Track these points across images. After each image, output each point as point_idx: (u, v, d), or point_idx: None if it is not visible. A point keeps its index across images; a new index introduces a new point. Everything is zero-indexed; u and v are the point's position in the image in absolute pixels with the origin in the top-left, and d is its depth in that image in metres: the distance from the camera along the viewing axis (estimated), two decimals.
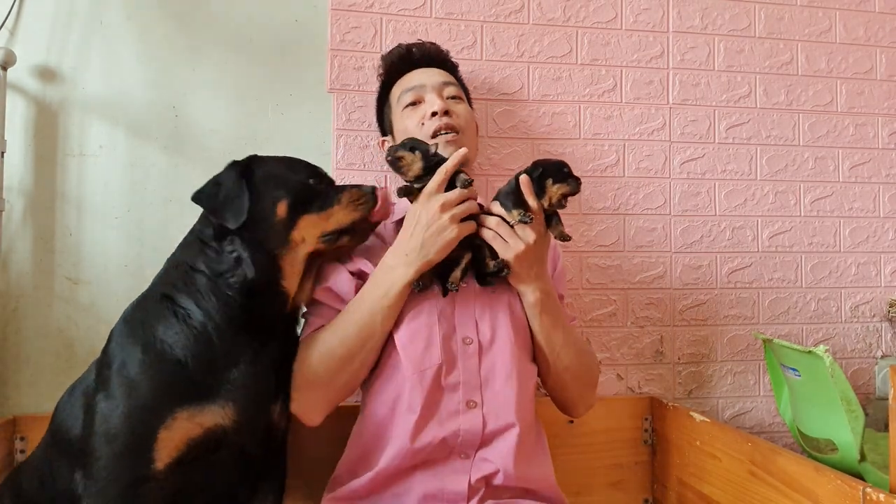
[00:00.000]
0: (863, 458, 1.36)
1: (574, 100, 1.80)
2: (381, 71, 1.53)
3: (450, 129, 1.34)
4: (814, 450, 1.53)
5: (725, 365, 1.85)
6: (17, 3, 1.54)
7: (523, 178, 1.17)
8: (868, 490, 0.99)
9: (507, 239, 1.17)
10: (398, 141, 1.40)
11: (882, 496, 0.96)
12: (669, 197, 1.83)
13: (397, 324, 1.19)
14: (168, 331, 1.07)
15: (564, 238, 1.19)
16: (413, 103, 1.40)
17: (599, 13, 1.82)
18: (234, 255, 1.13)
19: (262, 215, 1.13)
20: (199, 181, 1.58)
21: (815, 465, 1.12)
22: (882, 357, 1.92)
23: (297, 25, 1.67)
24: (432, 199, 1.15)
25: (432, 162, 1.18)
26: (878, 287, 1.93)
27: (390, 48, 1.54)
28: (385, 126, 1.52)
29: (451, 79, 1.46)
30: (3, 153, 1.51)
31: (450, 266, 1.19)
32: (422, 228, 1.14)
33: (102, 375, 1.08)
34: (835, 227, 1.92)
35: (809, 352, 1.38)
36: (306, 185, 1.17)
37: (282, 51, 1.66)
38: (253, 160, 1.20)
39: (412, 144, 1.19)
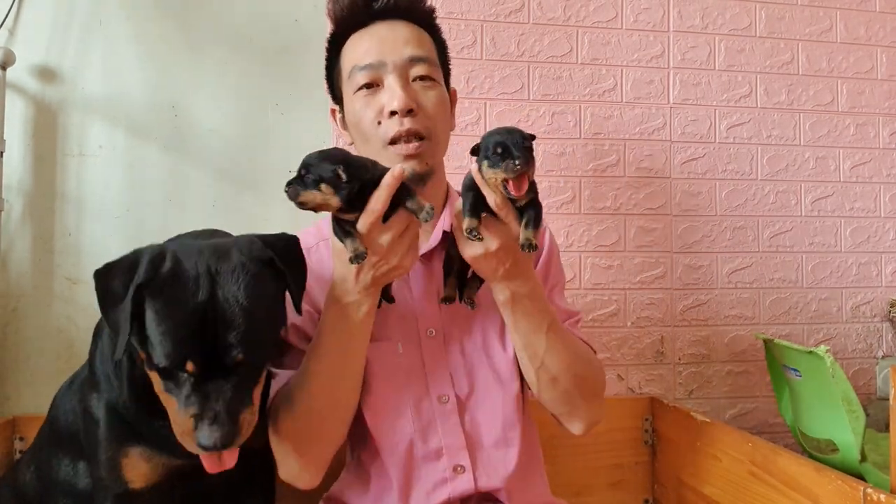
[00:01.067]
0: (863, 458, 1.36)
1: (574, 99, 1.79)
2: (331, 15, 1.17)
3: (413, 135, 1.05)
4: (814, 450, 1.52)
5: (726, 365, 1.84)
6: (16, 3, 1.54)
7: (474, 173, 0.90)
8: (869, 490, 0.98)
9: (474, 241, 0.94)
10: (348, 122, 1.15)
11: (883, 497, 0.95)
12: (670, 197, 1.83)
13: (364, 392, 1.06)
14: (106, 377, 1.03)
15: (526, 247, 0.89)
16: (369, 85, 1.08)
17: (600, 12, 1.81)
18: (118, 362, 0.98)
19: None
20: (199, 181, 1.61)
21: (815, 466, 1.12)
22: (883, 357, 1.92)
23: (297, 25, 1.67)
24: (376, 241, 0.90)
25: (357, 184, 0.88)
26: (879, 287, 1.93)
27: None
28: (335, 93, 1.20)
29: (422, 48, 1.11)
30: (2, 153, 1.51)
31: None
32: (370, 266, 0.92)
33: (87, 392, 1.07)
34: (836, 227, 1.91)
35: (810, 352, 1.38)
36: (174, 365, 0.86)
37: (282, 50, 1.66)
38: (161, 279, 0.88)
39: (316, 173, 0.87)
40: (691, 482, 1.49)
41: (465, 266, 1.01)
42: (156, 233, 1.57)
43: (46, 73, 1.56)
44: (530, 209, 0.91)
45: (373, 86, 1.08)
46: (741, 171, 1.87)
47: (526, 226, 0.90)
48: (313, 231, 1.20)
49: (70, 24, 1.58)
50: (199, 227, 1.61)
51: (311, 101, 1.66)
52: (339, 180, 0.87)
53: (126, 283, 0.89)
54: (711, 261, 1.85)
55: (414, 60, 1.08)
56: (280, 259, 0.92)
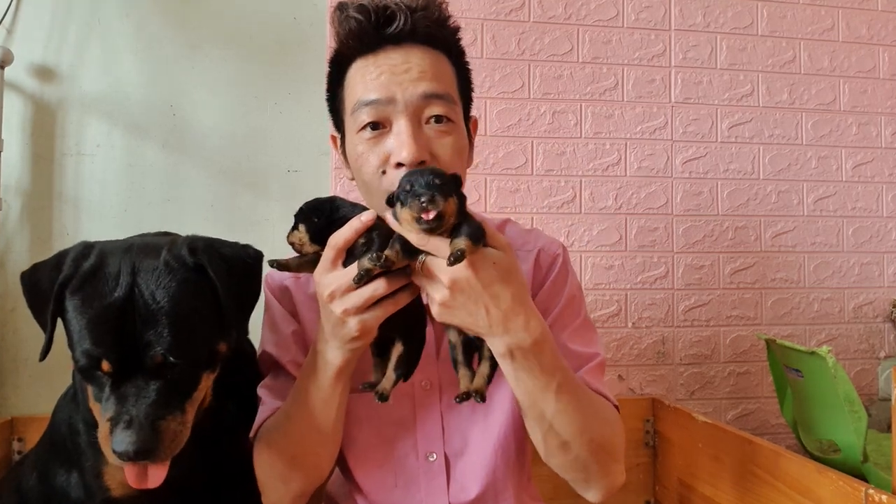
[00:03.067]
0: (865, 459, 1.35)
1: (575, 98, 1.79)
2: (335, 34, 0.98)
3: None
4: (816, 451, 1.52)
5: (728, 366, 1.84)
6: (14, 2, 1.53)
7: (388, 219, 0.81)
8: (870, 491, 0.98)
9: (425, 288, 0.81)
10: (350, 162, 1.01)
11: (884, 497, 0.95)
12: (671, 196, 1.82)
13: (347, 440, 1.00)
14: (81, 389, 1.01)
15: (452, 258, 0.74)
16: (374, 125, 0.93)
17: (601, 11, 1.81)
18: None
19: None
20: (198, 180, 1.60)
21: (817, 467, 1.11)
22: (885, 358, 1.91)
23: (295, 23, 1.66)
24: (320, 282, 0.81)
25: (324, 221, 0.85)
26: (882, 287, 1.92)
27: None
28: (337, 121, 1.04)
29: (440, 82, 0.94)
30: (0, 152, 1.50)
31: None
32: (324, 317, 0.84)
33: (71, 403, 1.06)
34: (838, 227, 1.91)
35: (812, 352, 1.37)
36: (91, 364, 0.83)
37: (280, 49, 1.65)
38: (89, 287, 0.85)
39: (298, 215, 0.86)
40: (693, 483, 1.48)
41: (469, 349, 0.88)
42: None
43: (44, 72, 1.56)
44: (459, 226, 0.78)
45: (379, 126, 0.93)
46: (743, 170, 1.86)
47: (453, 237, 0.77)
48: None
49: (68, 22, 1.57)
50: (198, 227, 1.60)
51: (309, 100, 1.65)
52: (310, 220, 0.84)
53: (52, 281, 0.87)
54: (713, 261, 1.84)
55: (429, 97, 0.92)
56: (217, 268, 0.87)
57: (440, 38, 0.97)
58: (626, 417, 1.65)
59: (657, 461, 1.66)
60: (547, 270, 1.07)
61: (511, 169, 1.74)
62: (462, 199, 0.80)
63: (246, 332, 0.91)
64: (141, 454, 0.78)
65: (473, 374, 0.87)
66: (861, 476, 1.33)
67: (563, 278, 1.07)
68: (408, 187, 0.78)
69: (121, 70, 1.59)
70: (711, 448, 1.41)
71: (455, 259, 0.73)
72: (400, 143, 0.90)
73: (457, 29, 1.01)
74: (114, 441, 0.77)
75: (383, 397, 0.84)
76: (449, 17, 0.99)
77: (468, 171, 1.03)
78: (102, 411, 0.81)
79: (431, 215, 0.75)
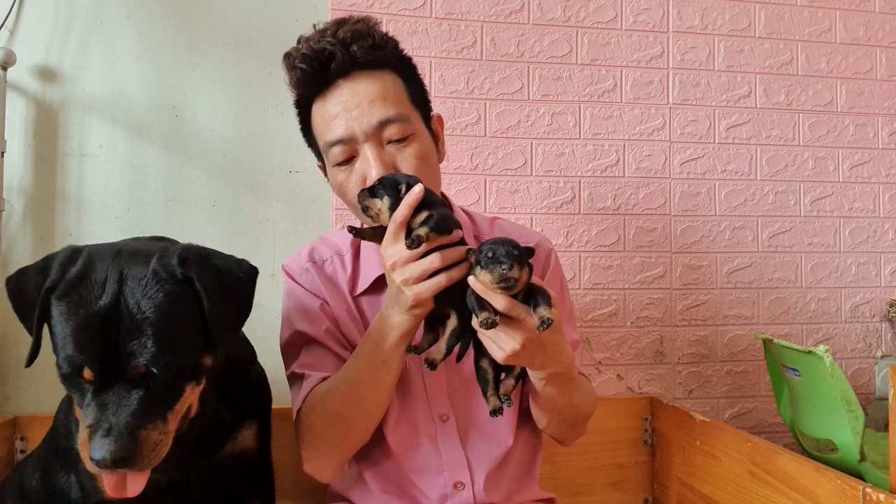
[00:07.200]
0: (863, 457, 1.36)
1: (574, 100, 1.80)
2: (289, 84, 1.12)
3: None
4: (814, 450, 1.53)
5: (725, 365, 1.85)
6: (17, 3, 1.54)
7: (472, 282, 0.91)
8: (868, 490, 0.99)
9: (492, 339, 0.92)
10: (333, 189, 1.15)
11: (882, 496, 0.96)
12: (669, 197, 1.83)
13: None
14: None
15: (544, 325, 0.88)
16: (346, 160, 1.07)
17: (599, 13, 1.82)
18: None
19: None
20: (199, 181, 1.61)
21: (815, 465, 1.12)
22: (882, 357, 1.92)
23: (296, 25, 1.67)
24: (384, 254, 0.94)
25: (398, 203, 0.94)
26: (878, 287, 1.93)
27: (295, 47, 1.10)
28: (316, 153, 1.18)
29: (390, 104, 1.05)
30: (2, 153, 1.51)
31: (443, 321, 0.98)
32: (389, 285, 0.96)
33: (68, 405, 1.05)
34: (835, 228, 1.92)
35: (809, 352, 1.38)
36: (73, 371, 0.82)
37: (282, 51, 1.64)
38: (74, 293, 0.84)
39: (385, 186, 0.96)
40: (691, 482, 1.49)
41: (498, 370, 1.00)
42: (156, 233, 1.57)
43: (47, 74, 1.57)
44: (534, 293, 0.92)
45: (350, 160, 1.06)
46: (740, 171, 1.87)
47: (536, 306, 0.91)
48: (331, 243, 1.21)
49: (71, 24, 1.58)
50: (200, 227, 1.62)
51: None
52: (398, 196, 0.93)
53: (38, 286, 0.86)
54: (711, 261, 1.85)
55: (384, 123, 1.04)
56: (206, 282, 0.87)
57: (381, 59, 1.07)
58: (625, 417, 1.68)
59: (655, 460, 1.67)
60: (544, 264, 1.23)
61: (510, 170, 1.75)
62: (531, 268, 0.92)
63: (236, 344, 0.90)
64: (119, 462, 0.77)
65: (498, 397, 0.98)
66: (858, 475, 1.34)
67: (559, 273, 1.25)
68: (490, 254, 0.89)
69: (123, 71, 1.60)
70: (709, 447, 1.42)
71: (547, 326, 0.87)
72: (368, 166, 1.04)
73: (395, 45, 1.11)
74: (92, 448, 0.77)
75: (433, 365, 0.95)
76: (384, 36, 1.09)
77: (445, 163, 1.16)
78: (83, 418, 0.81)
79: (510, 280, 0.88)
